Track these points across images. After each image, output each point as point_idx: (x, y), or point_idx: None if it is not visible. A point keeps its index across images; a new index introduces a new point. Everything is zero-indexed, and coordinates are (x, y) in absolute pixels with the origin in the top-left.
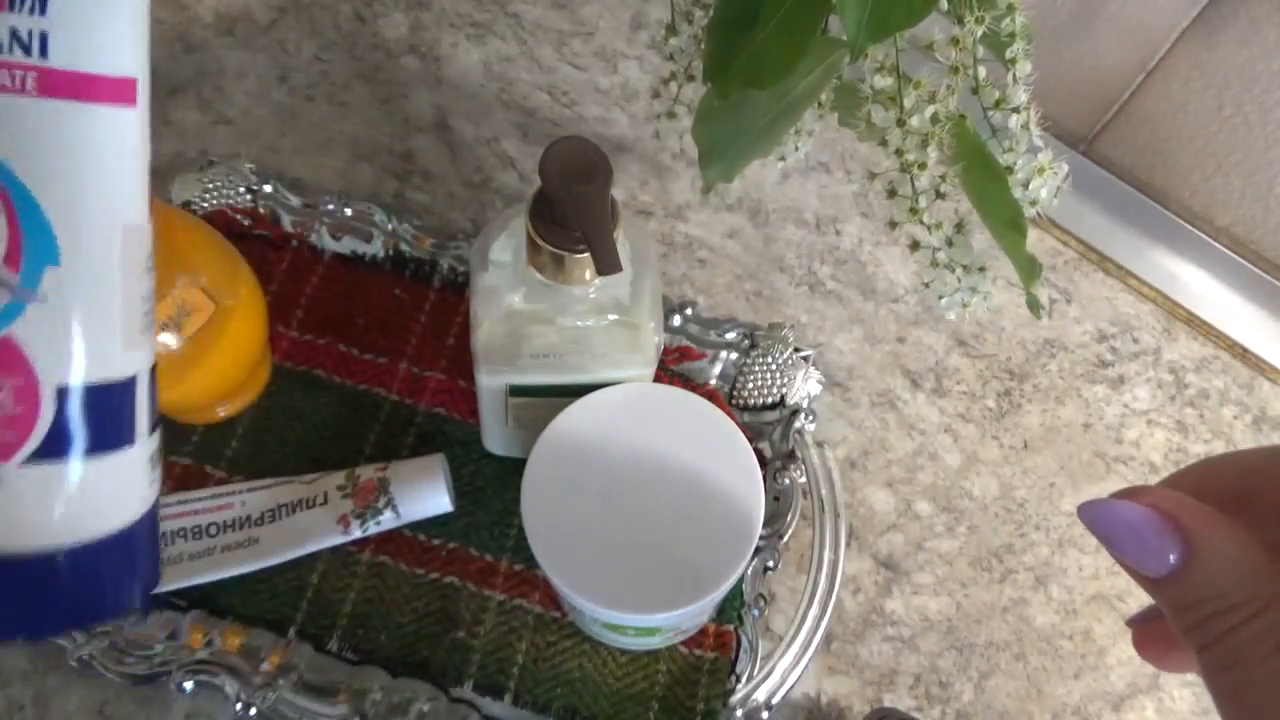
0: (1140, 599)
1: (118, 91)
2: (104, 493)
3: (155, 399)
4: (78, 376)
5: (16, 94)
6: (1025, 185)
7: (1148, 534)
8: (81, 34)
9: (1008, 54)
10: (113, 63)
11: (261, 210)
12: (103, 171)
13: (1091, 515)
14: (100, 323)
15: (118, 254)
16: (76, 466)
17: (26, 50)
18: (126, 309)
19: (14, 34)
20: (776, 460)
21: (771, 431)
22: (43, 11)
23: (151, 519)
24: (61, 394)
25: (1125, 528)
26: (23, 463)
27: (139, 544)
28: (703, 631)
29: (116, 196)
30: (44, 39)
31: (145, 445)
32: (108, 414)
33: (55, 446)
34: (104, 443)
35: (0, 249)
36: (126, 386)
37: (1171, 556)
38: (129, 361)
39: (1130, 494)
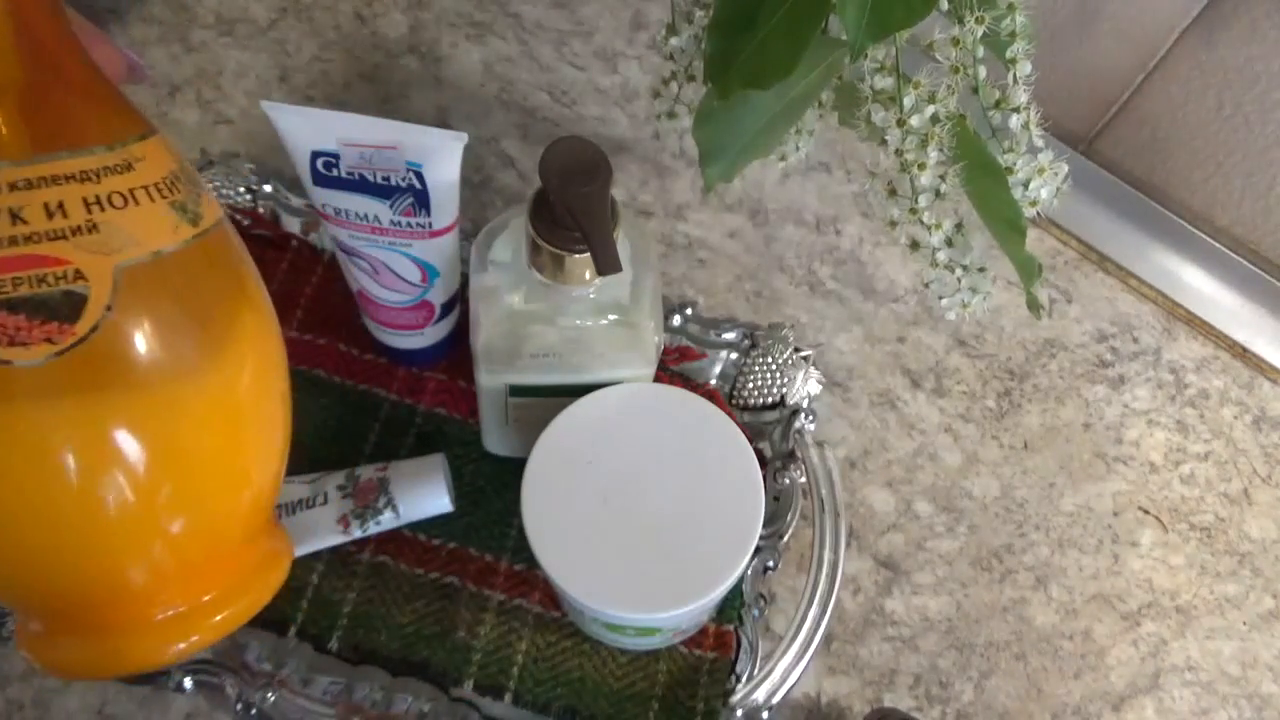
0: (1140, 598)
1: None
2: None
3: None
4: None
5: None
6: (1025, 185)
7: None
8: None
9: (1008, 54)
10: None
11: (261, 210)
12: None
13: None
14: None
15: None
16: None
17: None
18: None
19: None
20: (776, 460)
21: (771, 431)
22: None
23: None
24: None
25: None
26: None
27: None
28: (703, 631)
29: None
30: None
31: None
32: None
33: None
34: None
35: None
36: None
37: None
38: None
39: None
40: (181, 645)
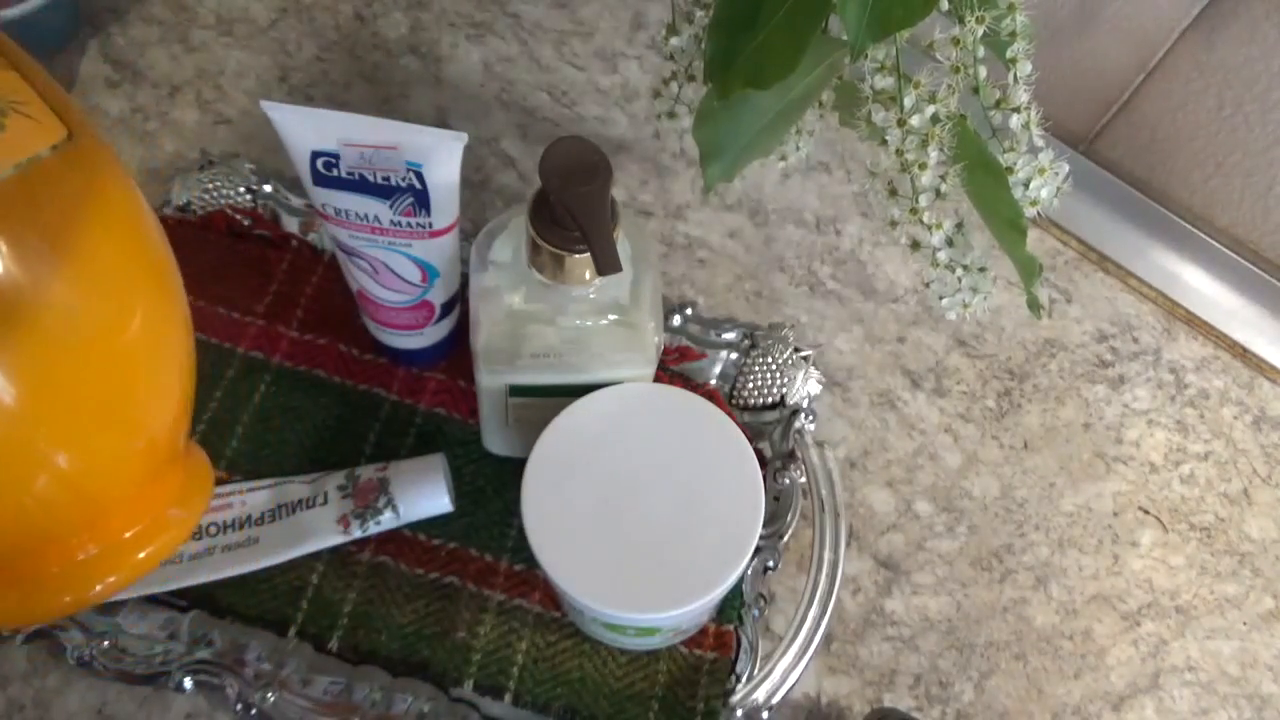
0: (1140, 598)
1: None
2: None
3: None
4: None
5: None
6: (1025, 185)
7: None
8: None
9: (1008, 54)
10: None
11: (261, 210)
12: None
13: None
14: None
15: None
16: None
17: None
18: None
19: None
20: (776, 460)
21: (771, 431)
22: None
23: None
24: None
25: None
26: None
27: None
28: (703, 631)
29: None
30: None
31: None
32: None
33: None
34: None
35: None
36: None
37: None
38: None
39: None
40: (98, 587)
